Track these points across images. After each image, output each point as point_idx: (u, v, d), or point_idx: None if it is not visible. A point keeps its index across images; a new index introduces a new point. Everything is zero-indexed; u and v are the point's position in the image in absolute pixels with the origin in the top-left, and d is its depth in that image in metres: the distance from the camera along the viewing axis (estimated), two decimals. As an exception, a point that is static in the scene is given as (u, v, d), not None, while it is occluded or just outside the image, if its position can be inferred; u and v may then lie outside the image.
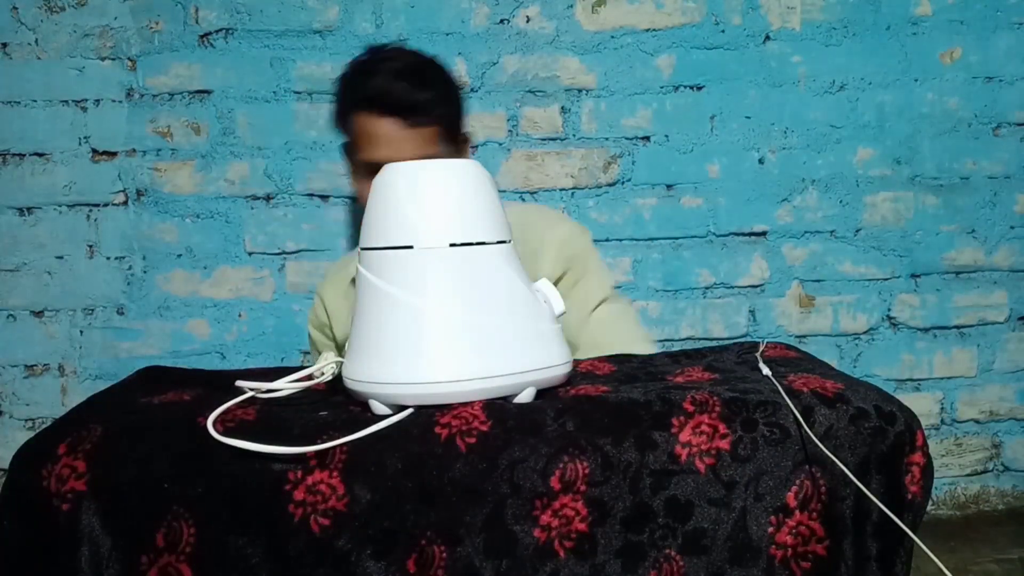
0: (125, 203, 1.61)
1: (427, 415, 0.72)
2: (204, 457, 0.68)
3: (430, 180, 0.77)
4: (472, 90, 1.63)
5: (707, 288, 1.71)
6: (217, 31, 1.59)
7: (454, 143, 1.16)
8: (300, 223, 1.62)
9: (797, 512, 0.70)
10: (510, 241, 0.80)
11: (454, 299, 0.74)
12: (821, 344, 1.74)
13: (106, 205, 1.61)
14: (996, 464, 1.80)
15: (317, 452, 0.68)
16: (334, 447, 0.68)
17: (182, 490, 0.68)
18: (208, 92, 1.60)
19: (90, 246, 1.61)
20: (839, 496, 0.70)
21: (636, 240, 1.68)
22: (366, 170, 1.07)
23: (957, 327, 1.76)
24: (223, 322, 1.62)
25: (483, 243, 0.76)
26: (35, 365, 1.63)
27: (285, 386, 0.80)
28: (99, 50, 1.59)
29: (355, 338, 0.78)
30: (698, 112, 1.68)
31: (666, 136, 1.68)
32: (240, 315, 1.62)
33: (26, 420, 1.64)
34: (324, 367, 0.84)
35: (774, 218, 1.71)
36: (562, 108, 1.65)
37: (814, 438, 0.69)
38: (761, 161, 1.70)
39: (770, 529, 0.70)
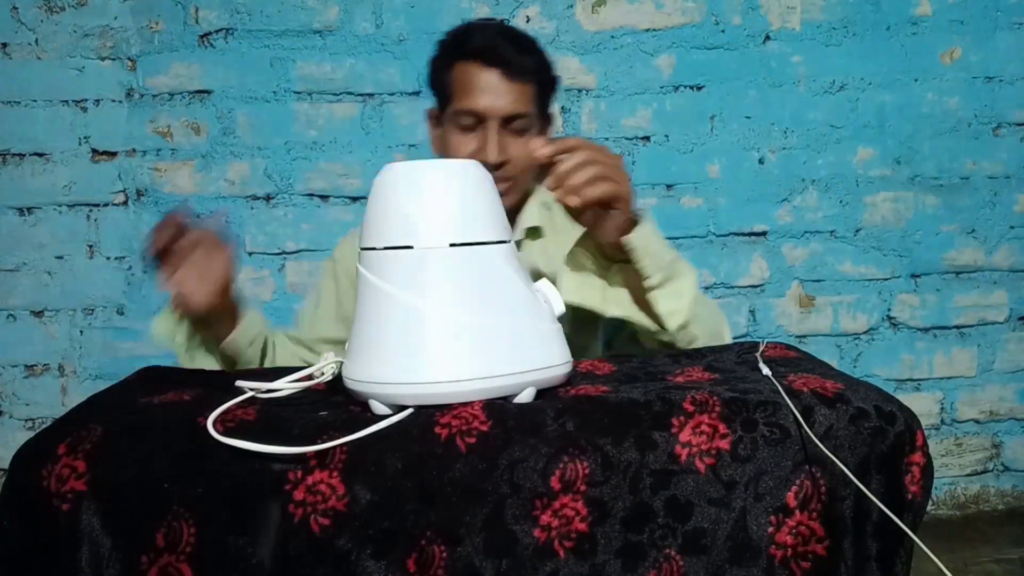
0: (125, 203, 1.61)
1: (427, 415, 0.72)
2: (204, 457, 0.68)
3: (430, 180, 0.77)
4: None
5: (707, 288, 1.71)
6: (217, 31, 1.59)
7: (544, 116, 1.23)
8: (300, 223, 1.62)
9: (797, 512, 0.70)
10: (510, 241, 0.80)
11: (454, 299, 0.74)
12: (821, 344, 1.74)
13: (106, 205, 1.61)
14: (996, 464, 1.80)
15: (317, 452, 0.68)
16: (334, 447, 0.68)
17: (182, 490, 0.68)
18: (208, 92, 1.60)
19: (90, 246, 1.61)
20: (839, 496, 0.70)
21: (636, 240, 1.68)
22: (458, 123, 1.15)
23: (957, 327, 1.76)
24: (223, 322, 1.62)
25: (483, 243, 0.76)
26: (35, 365, 1.63)
27: (285, 386, 0.80)
28: (99, 50, 1.59)
29: (355, 338, 0.78)
30: (698, 112, 1.68)
31: (666, 136, 1.68)
32: (240, 315, 1.62)
33: (26, 420, 1.64)
34: (324, 367, 0.84)
35: (774, 218, 1.71)
36: (562, 108, 1.65)
37: (814, 438, 0.69)
38: (761, 161, 1.70)
39: (770, 529, 0.70)
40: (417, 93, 1.63)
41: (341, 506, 0.67)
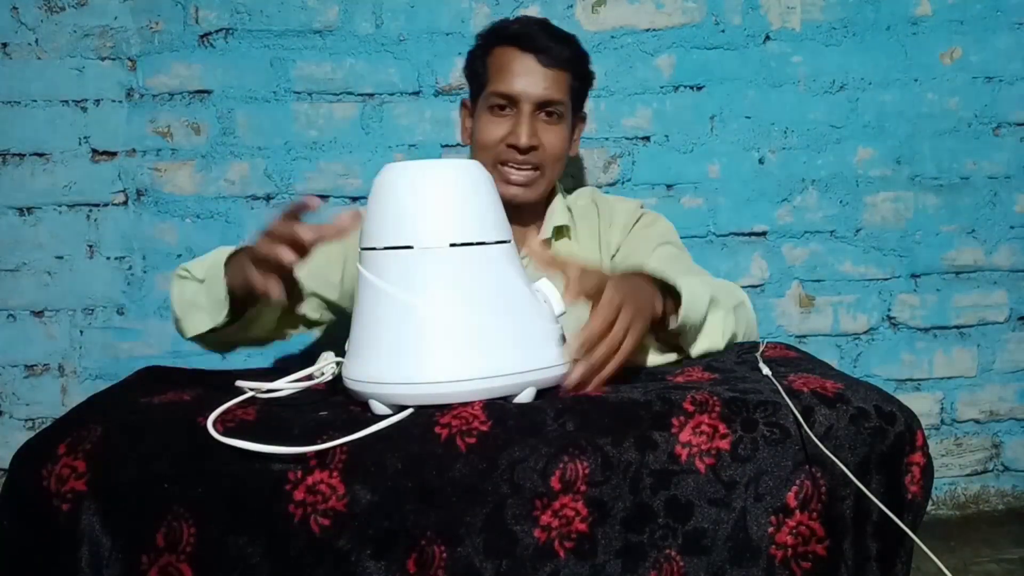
0: (125, 203, 1.61)
1: (427, 415, 0.72)
2: (204, 457, 0.69)
3: (430, 180, 0.77)
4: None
5: (707, 288, 1.71)
6: (217, 31, 1.59)
7: (577, 110, 1.26)
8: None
9: (797, 512, 0.70)
10: (510, 241, 0.80)
11: (454, 299, 0.74)
12: (821, 344, 1.74)
13: (106, 205, 1.61)
14: (996, 464, 1.81)
15: (317, 452, 0.68)
16: (334, 447, 0.68)
17: (182, 490, 0.68)
18: (208, 92, 1.60)
19: (90, 246, 1.61)
20: (839, 496, 0.70)
21: (636, 240, 1.68)
22: (491, 107, 1.18)
23: (957, 327, 1.76)
24: (223, 322, 1.62)
25: (483, 243, 0.76)
26: (35, 365, 1.63)
27: (285, 386, 0.80)
28: (99, 50, 1.58)
29: (355, 338, 0.78)
30: (698, 112, 1.68)
31: (666, 136, 1.68)
32: (240, 315, 1.62)
33: (26, 420, 1.64)
34: (324, 367, 0.84)
35: (774, 218, 1.71)
36: (562, 108, 1.64)
37: (814, 438, 0.69)
38: (761, 161, 1.70)
39: (770, 529, 0.70)
40: (417, 93, 1.63)
41: (341, 506, 0.67)
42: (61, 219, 1.60)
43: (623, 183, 1.68)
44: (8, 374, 1.63)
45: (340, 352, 0.78)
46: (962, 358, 1.77)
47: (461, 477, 0.68)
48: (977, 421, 1.79)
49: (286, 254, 0.79)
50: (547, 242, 1.26)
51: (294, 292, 0.89)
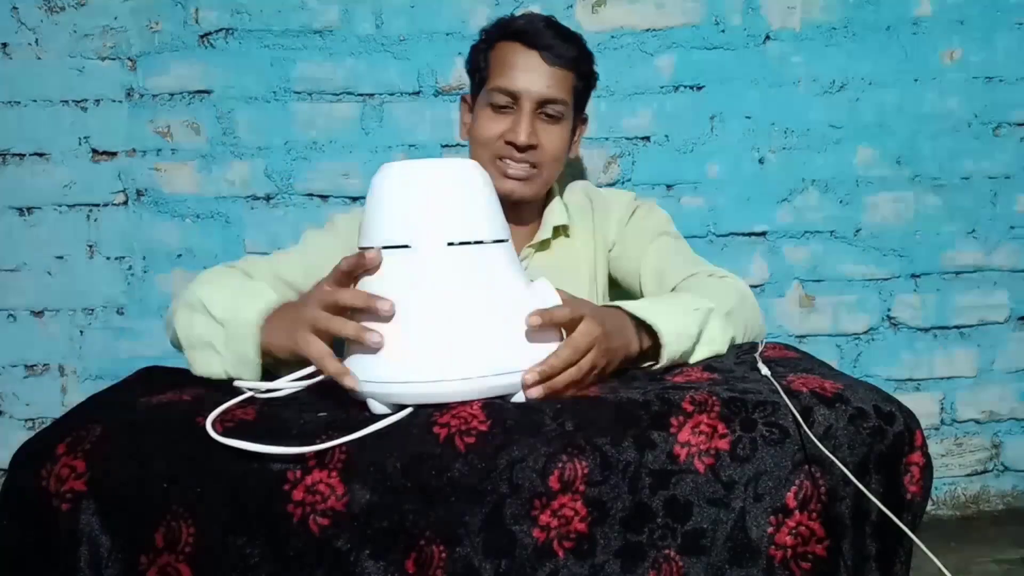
0: (125, 203, 1.61)
1: (426, 415, 0.72)
2: (203, 457, 0.68)
3: (428, 179, 0.77)
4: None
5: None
6: (217, 31, 1.59)
7: (579, 111, 1.25)
8: (300, 223, 1.62)
9: (797, 512, 0.70)
10: (508, 240, 0.80)
11: (452, 299, 0.74)
12: (821, 344, 1.74)
13: (106, 205, 1.61)
14: (996, 464, 1.80)
15: (316, 452, 0.68)
16: (333, 447, 0.68)
17: (181, 490, 0.68)
18: (208, 92, 1.60)
19: (90, 246, 1.61)
20: (838, 496, 0.70)
21: (636, 240, 1.68)
22: (492, 103, 1.16)
23: (957, 327, 1.76)
24: (223, 322, 1.62)
25: (481, 242, 0.76)
26: (35, 365, 1.63)
27: (284, 385, 0.80)
28: (99, 50, 1.59)
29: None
30: (698, 112, 1.68)
31: (666, 136, 1.68)
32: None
33: (26, 420, 1.64)
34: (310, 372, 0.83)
35: (774, 218, 1.71)
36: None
37: (813, 438, 0.69)
38: (761, 161, 1.70)
39: (769, 529, 0.70)
40: (417, 93, 1.63)
41: (340, 506, 0.67)
42: (61, 219, 1.61)
43: (623, 183, 1.68)
44: (8, 374, 1.63)
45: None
46: (962, 358, 1.77)
47: (460, 477, 0.68)
48: (977, 421, 1.79)
49: (352, 328, 0.74)
50: (546, 243, 1.25)
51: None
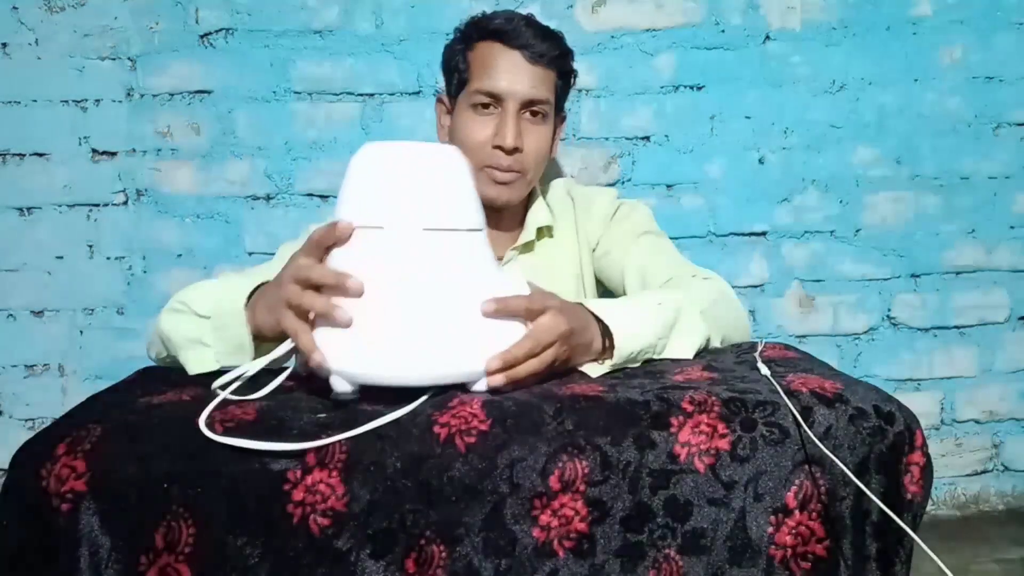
0: (125, 203, 1.61)
1: (426, 414, 0.72)
2: (203, 457, 0.68)
3: (408, 162, 0.77)
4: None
5: (707, 288, 1.71)
6: (217, 31, 1.59)
7: (559, 109, 1.22)
8: (300, 223, 1.62)
9: (797, 512, 0.70)
10: (482, 229, 0.80)
11: (420, 283, 0.74)
12: (821, 344, 1.74)
13: (106, 205, 1.61)
14: (996, 464, 1.80)
15: (316, 451, 0.68)
16: (333, 445, 0.68)
17: (181, 490, 0.68)
18: (208, 92, 1.60)
19: (90, 246, 1.61)
20: (839, 496, 0.70)
21: (636, 240, 1.68)
22: (475, 105, 1.13)
23: (957, 327, 1.76)
24: (223, 322, 1.62)
25: (455, 229, 0.76)
26: (35, 365, 1.63)
27: (258, 365, 0.78)
28: (99, 50, 1.59)
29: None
30: (698, 112, 1.68)
31: (666, 136, 1.68)
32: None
33: (26, 420, 1.64)
34: (286, 347, 0.81)
35: (774, 218, 1.71)
36: (562, 108, 1.65)
37: (813, 438, 0.69)
38: (761, 161, 1.70)
39: (770, 529, 0.70)
40: (417, 93, 1.63)
41: (340, 506, 0.67)
42: (61, 219, 1.60)
43: (623, 183, 1.68)
44: (8, 374, 1.63)
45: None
46: (962, 358, 1.77)
47: (460, 476, 0.68)
48: (977, 421, 1.79)
49: (321, 303, 0.74)
50: (529, 245, 1.25)
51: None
